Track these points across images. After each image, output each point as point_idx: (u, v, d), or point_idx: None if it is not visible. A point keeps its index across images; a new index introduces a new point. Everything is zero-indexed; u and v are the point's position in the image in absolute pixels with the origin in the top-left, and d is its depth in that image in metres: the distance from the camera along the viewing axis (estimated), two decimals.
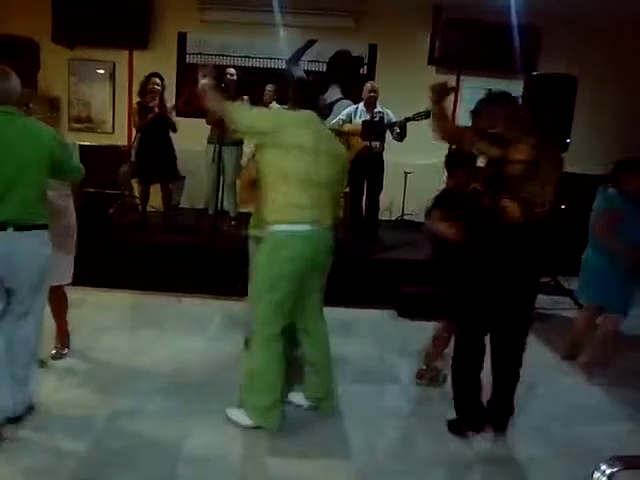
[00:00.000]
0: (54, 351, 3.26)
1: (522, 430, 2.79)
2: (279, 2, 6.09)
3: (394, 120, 5.13)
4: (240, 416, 2.65)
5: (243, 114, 2.70)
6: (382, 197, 5.37)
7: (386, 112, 5.19)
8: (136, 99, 5.29)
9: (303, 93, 2.78)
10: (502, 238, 2.51)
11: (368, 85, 5.29)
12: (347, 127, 5.20)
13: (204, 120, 5.21)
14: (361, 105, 5.25)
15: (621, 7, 5.73)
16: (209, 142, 5.30)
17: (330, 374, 2.86)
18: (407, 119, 4.96)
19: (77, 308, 3.95)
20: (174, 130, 5.22)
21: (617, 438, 2.76)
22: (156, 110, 5.05)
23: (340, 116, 5.31)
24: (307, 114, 2.64)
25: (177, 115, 5.39)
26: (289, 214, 2.51)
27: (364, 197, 5.34)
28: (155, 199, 5.54)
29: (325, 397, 2.84)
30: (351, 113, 5.26)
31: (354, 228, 5.37)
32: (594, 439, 2.71)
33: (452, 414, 2.76)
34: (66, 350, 3.31)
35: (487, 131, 2.52)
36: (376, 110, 5.17)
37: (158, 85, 5.12)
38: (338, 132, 5.24)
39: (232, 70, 5.51)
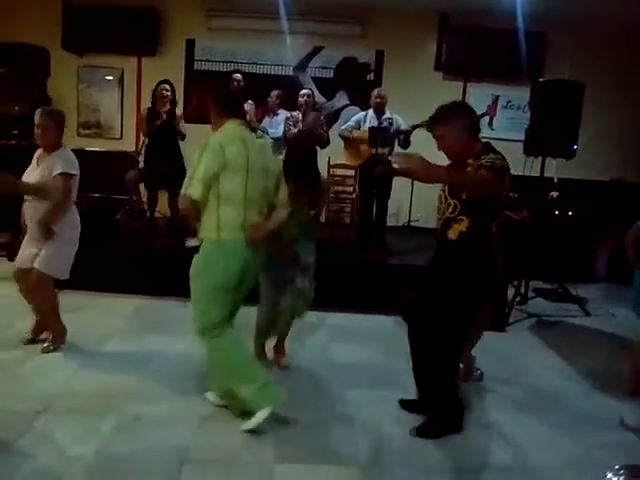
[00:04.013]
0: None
1: (528, 438, 2.78)
2: (286, 9, 6.13)
3: (403, 127, 5.07)
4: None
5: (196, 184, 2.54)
6: (389, 203, 5.36)
7: (395, 118, 5.12)
8: (147, 105, 5.34)
9: (225, 103, 2.72)
10: None
11: (375, 91, 5.27)
12: (355, 134, 5.19)
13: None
14: (370, 111, 5.20)
15: (625, 12, 5.74)
16: None
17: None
18: (414, 126, 4.87)
19: (83, 312, 3.99)
20: (182, 138, 5.26)
21: (623, 447, 2.74)
22: (164, 117, 5.09)
23: (349, 122, 5.30)
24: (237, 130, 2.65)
25: (185, 122, 5.41)
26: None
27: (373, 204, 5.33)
28: (162, 204, 5.57)
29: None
30: (360, 119, 5.22)
31: (362, 234, 5.36)
32: (600, 448, 2.68)
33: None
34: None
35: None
36: (385, 116, 5.14)
37: (167, 91, 5.16)
38: (346, 139, 5.23)
39: (239, 76, 5.55)
